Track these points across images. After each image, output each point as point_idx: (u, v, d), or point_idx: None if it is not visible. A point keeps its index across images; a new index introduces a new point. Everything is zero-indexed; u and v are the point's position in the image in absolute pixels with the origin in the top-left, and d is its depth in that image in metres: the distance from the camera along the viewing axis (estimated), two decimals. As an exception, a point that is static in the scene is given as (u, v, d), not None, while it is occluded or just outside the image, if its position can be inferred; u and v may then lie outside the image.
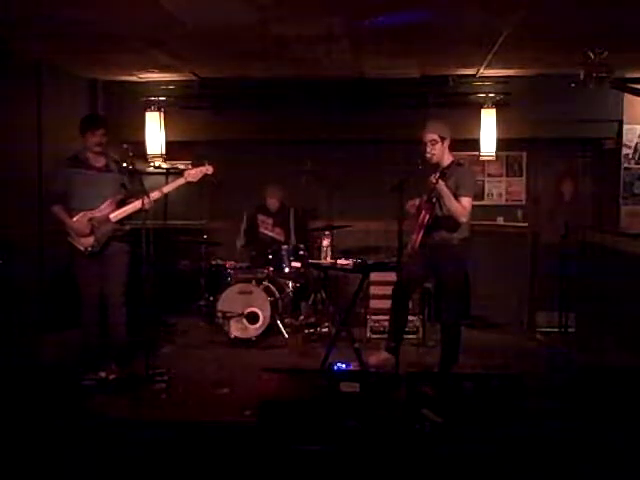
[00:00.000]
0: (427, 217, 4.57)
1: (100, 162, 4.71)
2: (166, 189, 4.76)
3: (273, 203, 6.53)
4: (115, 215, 4.65)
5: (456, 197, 4.50)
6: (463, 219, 4.54)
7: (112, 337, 4.77)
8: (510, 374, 3.87)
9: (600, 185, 7.01)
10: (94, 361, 4.68)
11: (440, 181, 4.43)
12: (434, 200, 4.57)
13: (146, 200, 4.51)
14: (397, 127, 6.64)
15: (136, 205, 4.57)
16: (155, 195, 4.67)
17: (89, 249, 4.63)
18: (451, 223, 4.55)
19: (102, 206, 4.65)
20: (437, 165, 4.64)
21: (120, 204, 4.69)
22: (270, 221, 6.56)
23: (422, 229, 4.60)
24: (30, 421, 3.72)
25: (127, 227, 4.73)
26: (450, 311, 4.69)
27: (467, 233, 4.64)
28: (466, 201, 4.53)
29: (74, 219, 4.61)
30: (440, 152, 4.62)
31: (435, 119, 4.80)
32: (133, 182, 4.72)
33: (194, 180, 4.77)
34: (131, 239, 4.80)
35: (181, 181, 4.77)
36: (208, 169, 4.79)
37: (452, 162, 4.67)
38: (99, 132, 4.63)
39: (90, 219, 4.61)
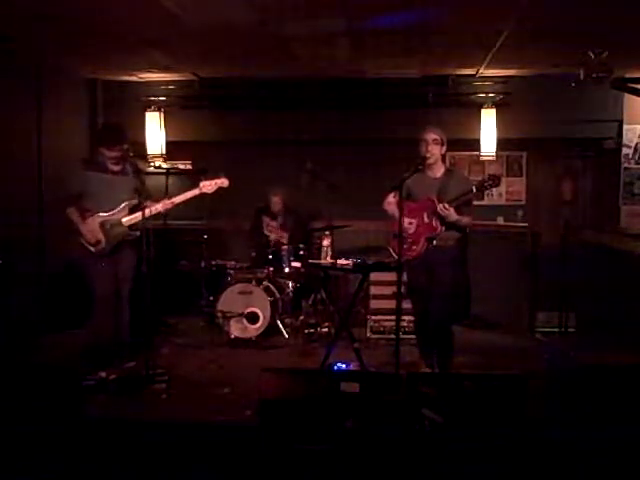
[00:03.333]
0: (441, 228, 4.51)
1: (116, 167, 4.72)
2: (179, 199, 4.77)
3: (277, 203, 6.52)
4: (128, 220, 4.70)
5: (461, 212, 4.49)
6: (470, 225, 4.62)
7: (117, 334, 4.81)
8: (510, 374, 3.86)
9: (600, 185, 7.01)
10: (102, 359, 4.70)
11: (450, 211, 4.39)
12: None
13: (154, 209, 4.59)
14: (397, 127, 6.64)
15: (149, 212, 4.59)
16: (168, 205, 4.71)
17: (98, 252, 4.68)
18: (449, 227, 4.54)
19: (116, 210, 4.70)
20: (429, 167, 4.62)
21: (133, 209, 4.71)
22: (274, 223, 6.54)
23: (429, 238, 4.57)
24: (30, 421, 3.72)
25: (138, 233, 4.74)
26: (443, 311, 4.64)
27: (461, 233, 4.63)
28: (467, 217, 4.57)
29: (86, 221, 4.65)
30: (439, 155, 4.60)
31: (433, 124, 4.78)
32: (144, 183, 4.74)
33: (208, 192, 4.78)
34: (139, 243, 4.81)
35: (195, 192, 4.78)
36: (223, 182, 4.81)
37: (446, 170, 4.66)
38: (116, 148, 4.62)
39: (102, 222, 4.66)
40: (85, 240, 4.67)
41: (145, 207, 4.62)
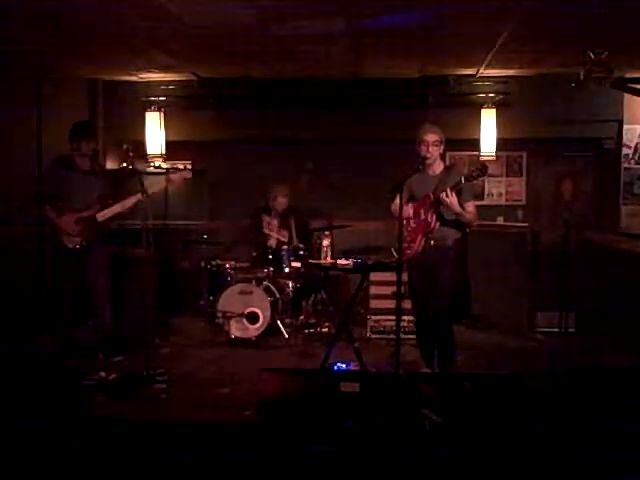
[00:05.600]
0: (436, 224, 4.53)
1: (86, 165, 5.01)
2: (151, 191, 4.94)
3: (282, 203, 6.48)
4: (101, 215, 4.95)
5: (460, 204, 4.48)
6: (475, 223, 4.60)
7: (97, 329, 5.04)
8: (510, 374, 3.86)
9: (600, 185, 7.01)
10: (72, 356, 4.86)
11: (453, 198, 4.37)
12: (438, 207, 4.53)
13: (128, 202, 4.85)
14: (397, 127, 6.63)
15: (123, 205, 4.89)
16: (139, 197, 4.85)
17: (77, 247, 4.92)
18: (447, 226, 4.55)
19: (89, 206, 4.94)
20: (429, 166, 4.63)
21: (105, 205, 4.97)
22: (275, 222, 6.51)
23: (425, 235, 4.57)
24: (30, 421, 3.72)
25: (114, 227, 5.12)
26: (442, 312, 4.64)
27: (460, 234, 4.64)
28: (471, 206, 4.54)
29: (63, 218, 4.89)
30: (438, 154, 4.61)
31: (432, 123, 4.77)
32: (142, 182, 4.84)
33: (176, 183, 5.20)
34: (112, 238, 5.19)
35: (163, 184, 5.14)
36: (187, 173, 5.27)
37: (445, 168, 4.69)
38: (94, 140, 5.03)
39: (77, 219, 4.90)
40: (63, 236, 4.90)
41: (117, 202, 4.91)
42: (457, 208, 4.41)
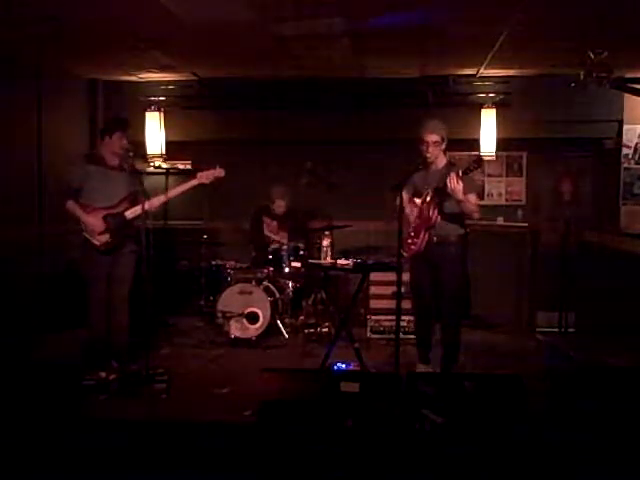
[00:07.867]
0: (436, 218, 4.54)
1: (115, 161, 4.79)
2: (179, 190, 4.90)
3: (281, 206, 6.47)
4: (130, 212, 4.72)
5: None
6: (477, 215, 4.59)
7: (114, 335, 4.79)
8: (510, 374, 3.86)
9: (600, 185, 7.01)
10: (99, 360, 4.68)
11: (459, 185, 4.33)
12: (440, 200, 4.54)
13: (155, 201, 4.68)
14: (397, 127, 6.64)
15: (151, 204, 4.67)
16: (169, 195, 4.86)
17: (104, 246, 4.67)
18: (449, 221, 4.56)
19: (118, 204, 4.72)
20: (431, 164, 4.65)
21: (133, 203, 4.74)
22: (275, 224, 6.52)
23: (428, 230, 4.58)
24: (30, 421, 3.72)
25: (140, 224, 4.77)
26: (451, 311, 4.68)
27: (462, 230, 4.65)
28: (473, 198, 4.55)
29: (90, 214, 4.65)
30: (439, 153, 4.63)
31: (435, 119, 4.76)
32: (142, 182, 4.77)
33: (206, 182, 4.88)
34: (138, 238, 4.81)
35: (194, 182, 4.88)
36: (220, 172, 4.90)
37: (448, 162, 4.71)
38: (126, 134, 4.79)
39: (105, 216, 4.67)
40: (90, 233, 4.65)
41: (145, 200, 4.60)
42: (461, 195, 4.39)
